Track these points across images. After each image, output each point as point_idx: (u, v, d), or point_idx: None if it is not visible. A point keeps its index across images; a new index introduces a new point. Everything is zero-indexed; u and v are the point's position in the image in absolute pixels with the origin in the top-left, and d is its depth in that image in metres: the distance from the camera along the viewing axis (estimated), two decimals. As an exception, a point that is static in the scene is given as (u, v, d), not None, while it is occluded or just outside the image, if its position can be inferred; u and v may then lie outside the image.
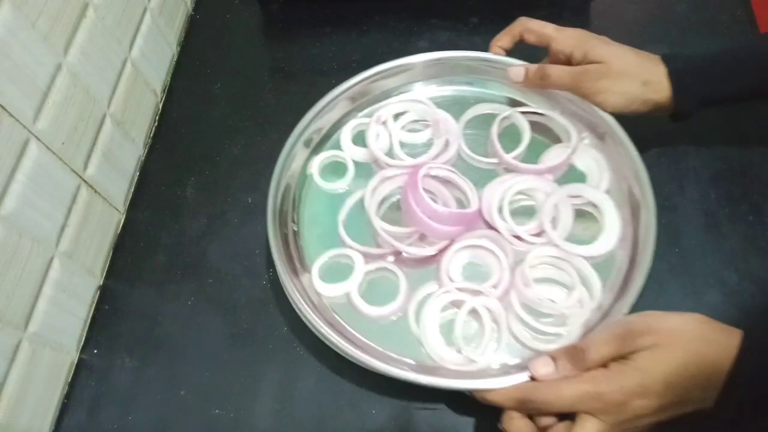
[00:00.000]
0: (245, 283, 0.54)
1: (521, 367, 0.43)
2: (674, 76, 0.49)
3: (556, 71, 0.53)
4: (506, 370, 0.45)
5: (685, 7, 0.67)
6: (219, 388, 0.49)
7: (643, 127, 0.58)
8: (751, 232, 0.53)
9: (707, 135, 0.58)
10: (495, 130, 0.56)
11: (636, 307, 0.46)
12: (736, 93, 0.50)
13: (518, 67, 0.56)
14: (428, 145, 0.57)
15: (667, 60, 0.50)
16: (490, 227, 0.52)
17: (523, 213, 0.52)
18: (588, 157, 0.55)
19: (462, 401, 0.47)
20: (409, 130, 0.59)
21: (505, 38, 0.56)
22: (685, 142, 0.58)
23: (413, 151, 0.57)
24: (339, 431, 0.47)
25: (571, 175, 0.55)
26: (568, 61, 0.53)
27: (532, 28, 0.55)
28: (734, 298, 0.50)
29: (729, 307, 0.50)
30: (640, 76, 0.49)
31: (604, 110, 0.52)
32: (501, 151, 0.55)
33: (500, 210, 0.52)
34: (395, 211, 0.54)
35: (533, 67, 0.55)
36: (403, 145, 0.57)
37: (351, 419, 0.47)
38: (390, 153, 0.57)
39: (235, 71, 0.68)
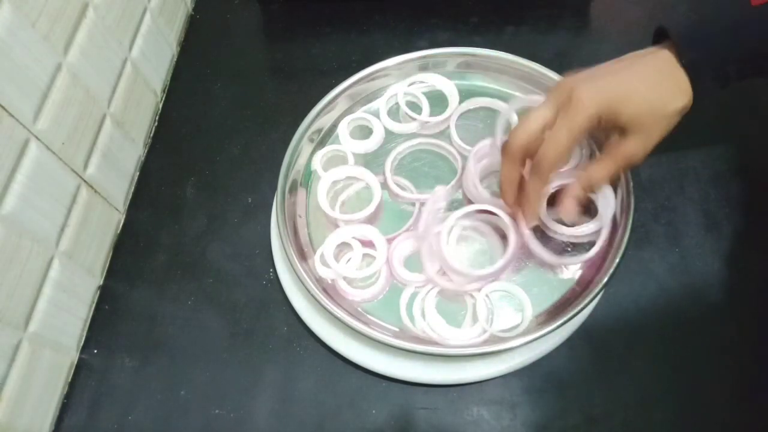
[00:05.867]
0: (245, 283, 0.54)
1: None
2: (694, 73, 0.43)
3: (603, 178, 0.47)
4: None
5: (685, 8, 0.67)
6: (219, 388, 0.49)
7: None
8: (751, 232, 0.53)
9: (707, 135, 0.58)
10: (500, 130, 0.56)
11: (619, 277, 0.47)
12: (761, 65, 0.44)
13: (571, 207, 0.48)
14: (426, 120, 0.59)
15: (679, 54, 0.43)
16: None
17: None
18: None
19: (462, 401, 0.47)
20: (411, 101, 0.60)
21: (540, 193, 0.48)
22: (685, 142, 0.58)
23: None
24: (339, 431, 0.47)
25: None
26: None
27: (556, 164, 0.45)
28: (734, 298, 0.50)
29: (729, 307, 0.50)
30: (677, 110, 0.44)
31: None
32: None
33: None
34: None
35: (578, 192, 0.47)
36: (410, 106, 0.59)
37: (351, 419, 0.47)
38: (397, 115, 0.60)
39: (235, 71, 0.68)
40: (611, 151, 0.46)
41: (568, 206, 0.47)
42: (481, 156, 0.54)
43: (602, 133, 0.47)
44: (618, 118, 0.43)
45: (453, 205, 0.54)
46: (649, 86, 0.44)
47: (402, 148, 0.57)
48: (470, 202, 0.53)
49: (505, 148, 0.47)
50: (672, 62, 0.44)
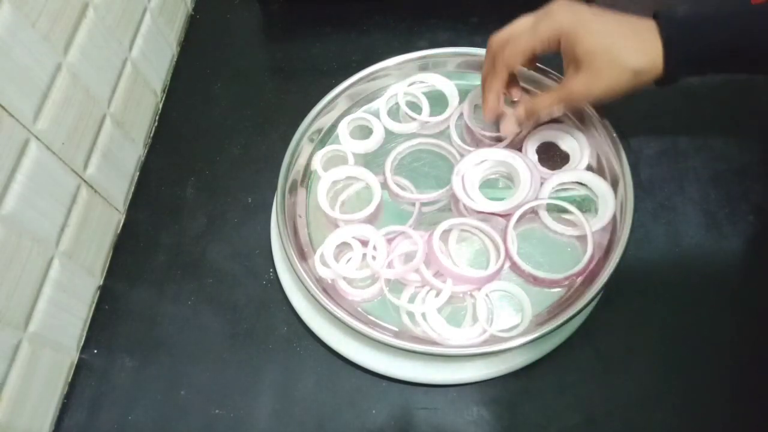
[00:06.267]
0: (245, 283, 0.54)
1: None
2: (668, 48, 0.45)
3: (544, 108, 0.50)
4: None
5: (687, 6, 0.66)
6: (219, 388, 0.49)
7: (642, 127, 0.58)
8: (751, 232, 0.53)
9: (707, 135, 0.58)
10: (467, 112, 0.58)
11: (619, 277, 0.48)
12: (737, 64, 0.46)
13: (509, 123, 0.53)
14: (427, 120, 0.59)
15: (661, 26, 0.45)
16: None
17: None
18: (570, 138, 0.56)
19: (462, 401, 0.47)
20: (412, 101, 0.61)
21: (496, 86, 0.52)
22: (685, 142, 0.58)
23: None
24: (339, 431, 0.47)
25: (556, 155, 0.56)
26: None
27: (513, 58, 0.49)
28: (734, 298, 0.50)
29: (729, 308, 0.50)
30: (630, 67, 0.45)
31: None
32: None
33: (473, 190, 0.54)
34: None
35: (521, 113, 0.51)
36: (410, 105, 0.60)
37: (351, 419, 0.47)
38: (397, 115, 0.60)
39: (235, 71, 0.68)
40: (560, 85, 0.49)
41: (508, 122, 0.52)
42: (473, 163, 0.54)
43: (564, 62, 0.49)
44: (576, 47, 0.46)
45: (444, 205, 0.55)
46: (617, 32, 0.46)
47: (402, 148, 0.57)
48: (457, 203, 0.54)
49: (488, 45, 0.51)
50: (651, 30, 0.45)
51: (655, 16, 0.46)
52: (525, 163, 0.53)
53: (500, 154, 0.54)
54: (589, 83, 0.47)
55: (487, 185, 0.55)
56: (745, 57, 0.45)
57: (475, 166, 0.54)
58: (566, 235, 0.51)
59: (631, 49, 0.45)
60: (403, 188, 0.55)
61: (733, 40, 0.44)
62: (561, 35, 0.47)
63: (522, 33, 0.48)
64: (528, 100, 0.51)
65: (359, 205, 0.54)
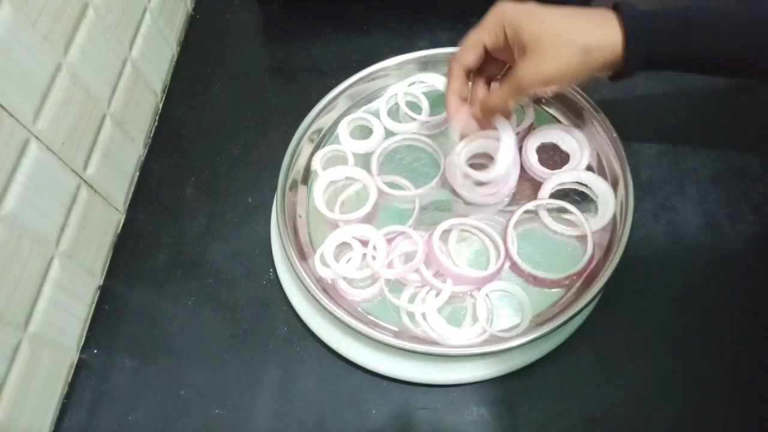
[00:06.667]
0: (245, 283, 0.54)
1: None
2: (629, 29, 0.44)
3: (498, 102, 0.49)
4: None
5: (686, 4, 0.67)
6: (219, 388, 0.49)
7: (642, 127, 0.58)
8: (751, 232, 0.53)
9: (707, 135, 0.58)
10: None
11: (619, 277, 0.48)
12: (697, 59, 0.46)
13: (468, 124, 0.52)
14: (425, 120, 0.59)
15: (621, 13, 0.44)
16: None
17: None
18: (570, 138, 0.56)
19: (462, 401, 0.47)
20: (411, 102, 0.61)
21: (454, 86, 0.51)
22: (685, 142, 0.58)
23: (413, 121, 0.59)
24: (339, 431, 0.47)
25: (556, 155, 0.56)
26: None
27: (464, 55, 0.50)
28: (734, 298, 0.50)
29: (729, 308, 0.50)
30: (579, 43, 0.44)
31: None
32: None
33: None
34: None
35: (476, 112, 0.51)
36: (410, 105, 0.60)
37: (351, 419, 0.47)
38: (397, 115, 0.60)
39: (235, 71, 0.68)
40: (509, 75, 0.47)
41: (467, 123, 0.51)
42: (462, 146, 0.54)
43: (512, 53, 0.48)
44: (521, 33, 0.45)
45: (444, 205, 0.55)
46: (564, 15, 0.45)
47: (386, 144, 0.57)
48: (455, 194, 0.54)
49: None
50: (609, 17, 0.44)
51: (615, 8, 0.45)
52: (506, 136, 0.52)
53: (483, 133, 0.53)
54: (536, 65, 0.45)
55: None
56: (705, 56, 0.45)
57: (462, 149, 0.54)
58: (566, 235, 0.51)
59: (579, 27, 0.45)
60: (402, 188, 0.55)
61: (696, 37, 0.44)
62: (505, 23, 0.47)
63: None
64: (482, 98, 0.50)
65: (359, 205, 0.54)
